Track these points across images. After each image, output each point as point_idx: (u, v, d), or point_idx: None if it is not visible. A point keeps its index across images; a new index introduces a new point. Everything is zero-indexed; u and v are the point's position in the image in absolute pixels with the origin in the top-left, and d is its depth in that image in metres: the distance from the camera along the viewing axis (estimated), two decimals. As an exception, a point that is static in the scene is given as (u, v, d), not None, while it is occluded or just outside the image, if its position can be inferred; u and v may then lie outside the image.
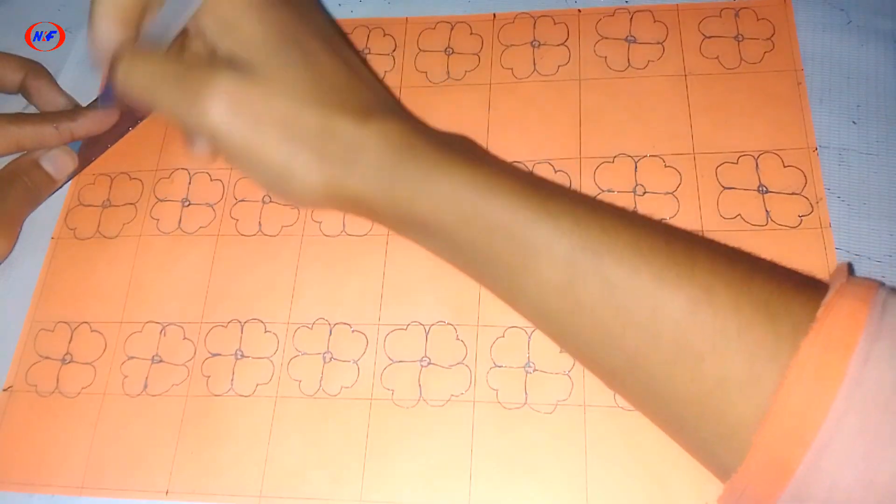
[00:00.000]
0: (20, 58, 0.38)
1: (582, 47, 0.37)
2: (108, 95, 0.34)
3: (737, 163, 0.34)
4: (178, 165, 0.38)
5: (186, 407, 0.32)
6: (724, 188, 0.33)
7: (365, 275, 0.34)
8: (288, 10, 0.29)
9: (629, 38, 0.37)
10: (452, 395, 0.31)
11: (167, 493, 0.31)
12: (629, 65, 0.37)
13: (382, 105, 0.30)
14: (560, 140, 0.35)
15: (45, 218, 0.38)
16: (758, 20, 0.36)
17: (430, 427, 0.31)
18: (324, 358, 0.33)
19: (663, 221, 0.31)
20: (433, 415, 0.31)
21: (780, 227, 0.32)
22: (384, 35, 0.40)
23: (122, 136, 0.39)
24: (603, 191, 0.34)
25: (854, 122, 0.34)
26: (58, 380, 0.34)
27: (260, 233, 0.36)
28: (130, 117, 0.38)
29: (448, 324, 0.33)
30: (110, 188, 0.38)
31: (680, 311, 0.24)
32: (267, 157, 0.28)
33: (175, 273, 0.35)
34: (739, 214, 0.33)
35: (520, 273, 0.27)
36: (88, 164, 0.38)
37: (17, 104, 0.39)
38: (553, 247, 0.26)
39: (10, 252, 0.35)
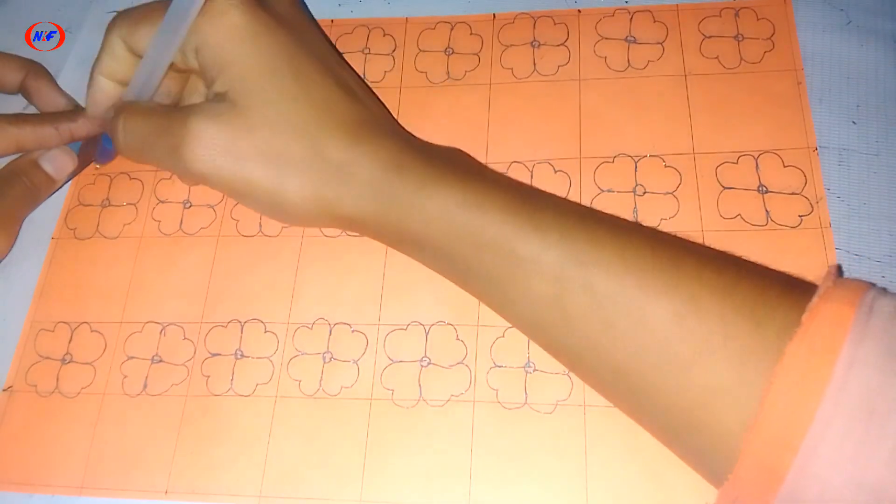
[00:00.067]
0: (20, 58, 0.38)
1: (582, 47, 0.37)
2: (106, 150, 0.36)
3: (737, 163, 0.34)
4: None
5: (186, 407, 0.32)
6: (724, 188, 0.33)
7: (365, 275, 0.34)
8: (282, 32, 0.29)
9: (629, 38, 0.37)
10: (452, 395, 0.31)
11: (167, 492, 0.31)
12: (629, 65, 0.37)
13: (375, 123, 0.30)
14: (560, 140, 0.35)
15: (45, 218, 0.38)
16: (758, 20, 0.36)
17: (430, 427, 0.31)
18: (324, 358, 0.33)
19: (653, 227, 0.31)
20: (433, 415, 0.31)
21: (780, 227, 0.32)
22: (384, 35, 0.40)
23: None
24: (603, 191, 0.34)
25: (854, 122, 0.34)
26: (58, 380, 0.34)
27: (260, 233, 0.36)
28: None
29: (448, 324, 0.33)
30: (110, 188, 0.38)
31: (666, 320, 0.24)
32: (256, 188, 0.29)
33: (175, 273, 0.35)
34: (739, 214, 0.32)
35: (509, 286, 0.27)
36: (88, 164, 0.38)
37: (17, 104, 0.39)
38: (541, 260, 0.26)
39: (9, 251, 0.35)
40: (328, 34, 0.40)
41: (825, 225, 0.32)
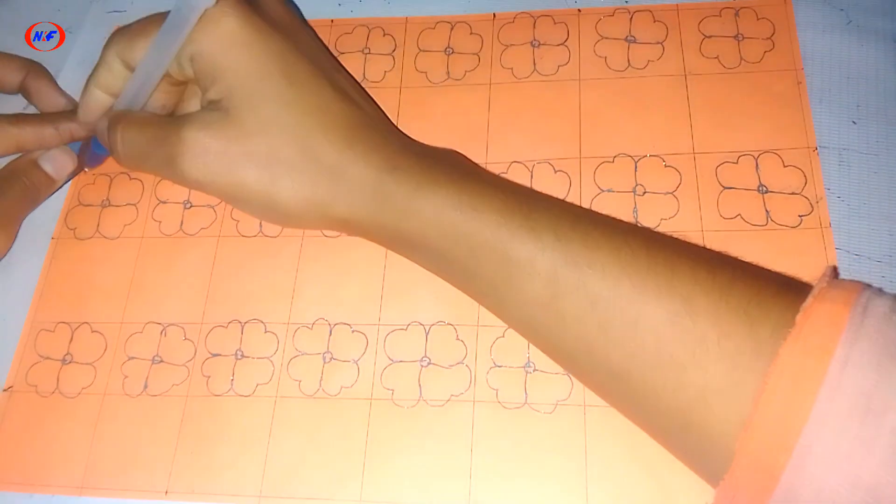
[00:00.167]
0: (20, 58, 0.38)
1: (582, 47, 0.37)
2: (94, 154, 0.36)
3: (737, 163, 0.34)
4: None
5: (186, 407, 0.32)
6: (724, 188, 0.33)
7: (365, 275, 0.34)
8: (275, 38, 0.30)
9: (629, 38, 0.37)
10: (452, 395, 0.31)
11: (167, 493, 0.31)
12: (629, 65, 0.37)
13: (370, 125, 0.30)
14: (560, 140, 0.35)
15: (45, 218, 0.38)
16: (758, 20, 0.36)
17: (430, 427, 0.31)
18: (324, 358, 0.33)
19: (648, 228, 0.31)
20: (433, 415, 0.31)
21: (780, 226, 0.32)
22: (384, 35, 0.40)
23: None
24: (603, 191, 0.34)
25: (854, 122, 0.34)
26: (58, 380, 0.34)
27: (260, 233, 0.36)
28: None
29: (448, 324, 0.33)
30: (110, 188, 0.38)
31: (660, 322, 0.24)
32: (250, 193, 0.30)
33: (175, 273, 0.35)
34: (739, 214, 0.32)
35: (504, 289, 0.27)
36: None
37: (17, 104, 0.39)
38: (535, 263, 0.26)
39: (9, 251, 0.35)
40: (328, 34, 0.40)
41: (825, 225, 0.32)
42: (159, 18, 0.29)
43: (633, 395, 0.26)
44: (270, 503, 0.30)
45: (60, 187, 0.37)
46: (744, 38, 0.36)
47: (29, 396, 0.34)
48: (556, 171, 0.35)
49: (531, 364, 0.31)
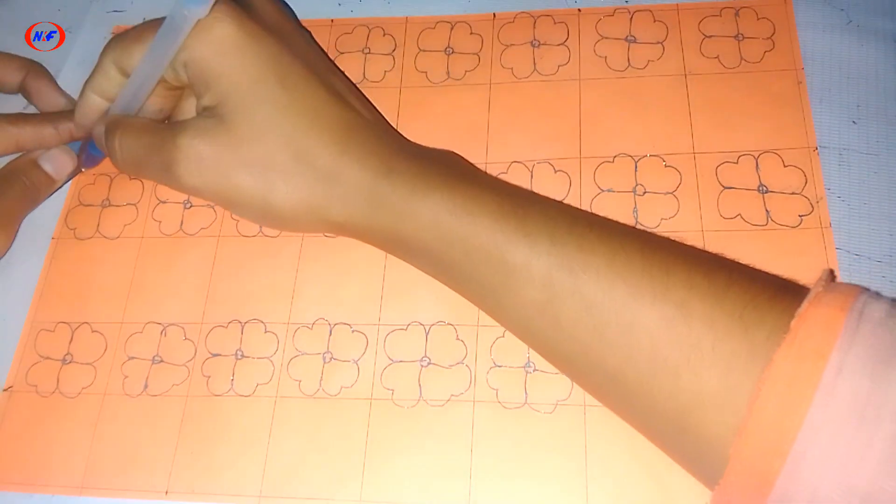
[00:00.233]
0: (20, 58, 0.38)
1: (582, 47, 0.37)
2: (91, 156, 0.37)
3: (737, 162, 0.34)
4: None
5: (187, 407, 0.32)
6: (725, 188, 0.33)
7: (365, 275, 0.34)
8: (269, 42, 0.30)
9: (629, 37, 0.37)
10: (452, 395, 0.31)
11: (167, 493, 0.31)
12: (629, 65, 0.37)
13: (365, 129, 0.30)
14: (560, 140, 0.35)
15: (45, 218, 0.38)
16: (758, 19, 0.36)
17: (430, 427, 0.31)
18: (324, 358, 0.33)
19: (644, 230, 0.30)
20: (433, 415, 0.31)
21: (780, 226, 0.32)
22: (384, 35, 0.40)
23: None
24: (603, 191, 0.34)
25: (854, 122, 0.34)
26: (58, 380, 0.34)
27: (260, 233, 0.36)
28: None
29: (448, 324, 0.33)
30: (110, 188, 0.38)
31: (655, 327, 0.24)
32: (245, 198, 0.30)
33: (175, 274, 0.35)
34: (739, 214, 0.32)
35: (500, 292, 0.27)
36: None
37: (17, 104, 0.39)
38: (530, 267, 0.26)
39: (8, 251, 0.35)
40: (328, 34, 0.40)
41: (825, 225, 0.32)
42: (156, 25, 0.29)
43: (629, 398, 0.26)
44: (270, 503, 0.30)
45: (60, 187, 0.37)
46: (744, 37, 0.36)
47: (29, 396, 0.34)
48: (556, 171, 0.35)
49: (531, 364, 0.31)
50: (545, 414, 0.30)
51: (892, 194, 0.32)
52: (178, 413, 0.32)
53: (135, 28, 0.31)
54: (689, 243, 0.28)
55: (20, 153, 0.35)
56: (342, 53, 0.39)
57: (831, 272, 0.30)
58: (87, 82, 0.33)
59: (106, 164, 0.38)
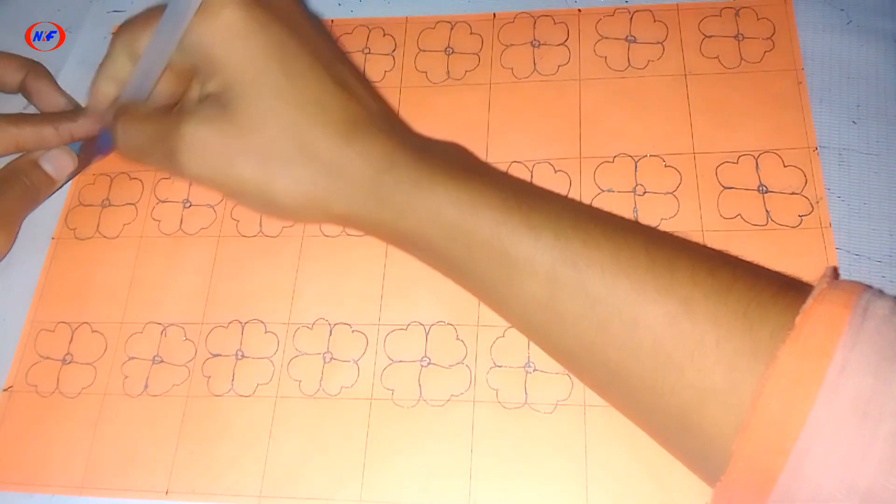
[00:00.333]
0: (20, 58, 0.38)
1: (582, 47, 0.37)
2: (105, 142, 0.36)
3: (737, 162, 0.34)
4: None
5: (187, 407, 0.32)
6: (724, 188, 0.33)
7: (365, 275, 0.34)
8: (276, 30, 0.29)
9: (629, 37, 0.37)
10: (452, 395, 0.31)
11: (167, 493, 0.31)
12: (629, 65, 0.37)
13: (370, 120, 0.30)
14: (560, 140, 0.35)
15: (45, 218, 0.38)
16: (758, 20, 0.36)
17: (430, 427, 0.31)
18: (324, 358, 0.33)
19: (649, 226, 0.30)
20: (433, 415, 0.31)
21: (780, 226, 0.32)
22: (384, 35, 0.40)
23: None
24: (603, 191, 0.34)
25: (854, 122, 0.34)
26: (58, 380, 0.34)
27: (260, 233, 0.36)
28: None
29: (448, 324, 0.33)
30: (110, 188, 0.38)
31: (659, 323, 0.24)
32: (247, 188, 0.29)
33: (176, 274, 0.35)
34: (739, 214, 0.32)
35: (504, 287, 0.27)
36: (88, 164, 0.38)
37: (17, 104, 0.39)
38: (534, 262, 0.26)
39: (9, 251, 0.35)
40: (328, 34, 0.40)
41: (825, 225, 0.32)
42: (162, 9, 0.29)
43: (632, 394, 0.26)
44: (270, 503, 0.30)
45: (60, 187, 0.37)
46: (744, 37, 0.36)
47: (29, 396, 0.34)
48: (556, 171, 0.35)
49: (531, 364, 0.31)
50: (545, 414, 0.30)
51: (892, 194, 0.32)
52: (178, 413, 0.32)
53: (143, 12, 0.31)
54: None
55: (20, 153, 0.35)
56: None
57: (835, 270, 0.30)
58: (98, 70, 0.33)
59: (106, 165, 0.38)
